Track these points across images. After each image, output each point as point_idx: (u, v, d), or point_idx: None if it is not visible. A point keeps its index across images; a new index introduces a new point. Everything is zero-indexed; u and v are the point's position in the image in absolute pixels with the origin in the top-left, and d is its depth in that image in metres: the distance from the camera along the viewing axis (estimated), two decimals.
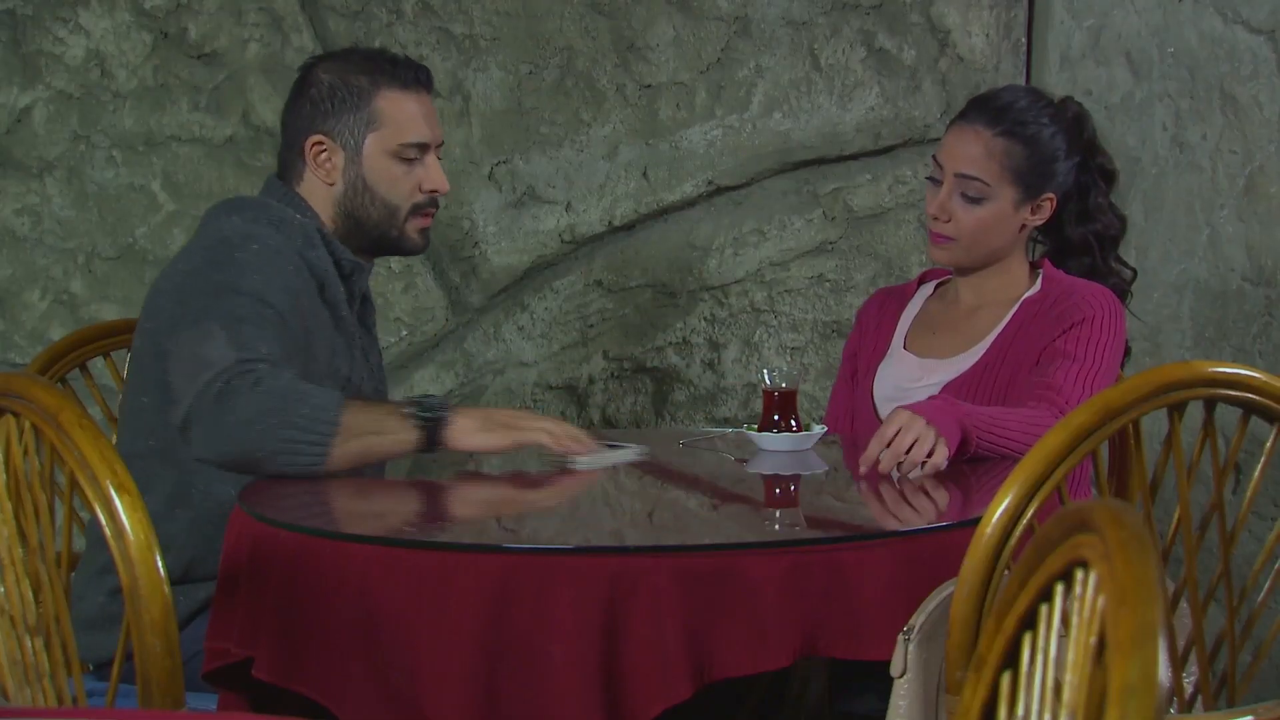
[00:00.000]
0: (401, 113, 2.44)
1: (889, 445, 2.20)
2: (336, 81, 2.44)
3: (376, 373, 2.59)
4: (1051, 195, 2.61)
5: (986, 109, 2.61)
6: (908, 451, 2.20)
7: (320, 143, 2.43)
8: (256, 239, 2.34)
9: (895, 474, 2.21)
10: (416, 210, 2.49)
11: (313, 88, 2.45)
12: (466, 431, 2.17)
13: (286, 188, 2.46)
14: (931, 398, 2.39)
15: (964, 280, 2.69)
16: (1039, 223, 2.63)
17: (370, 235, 2.49)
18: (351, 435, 2.12)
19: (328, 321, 2.43)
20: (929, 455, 2.20)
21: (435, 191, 2.49)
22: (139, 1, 3.24)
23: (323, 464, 2.12)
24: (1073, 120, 2.66)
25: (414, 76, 2.46)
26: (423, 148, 2.46)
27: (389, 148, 2.44)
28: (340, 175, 2.44)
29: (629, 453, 2.36)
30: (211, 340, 2.19)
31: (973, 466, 2.28)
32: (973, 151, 2.57)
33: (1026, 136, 2.58)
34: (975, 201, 2.57)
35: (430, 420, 2.16)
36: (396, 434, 2.16)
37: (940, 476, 2.21)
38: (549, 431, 2.23)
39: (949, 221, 2.59)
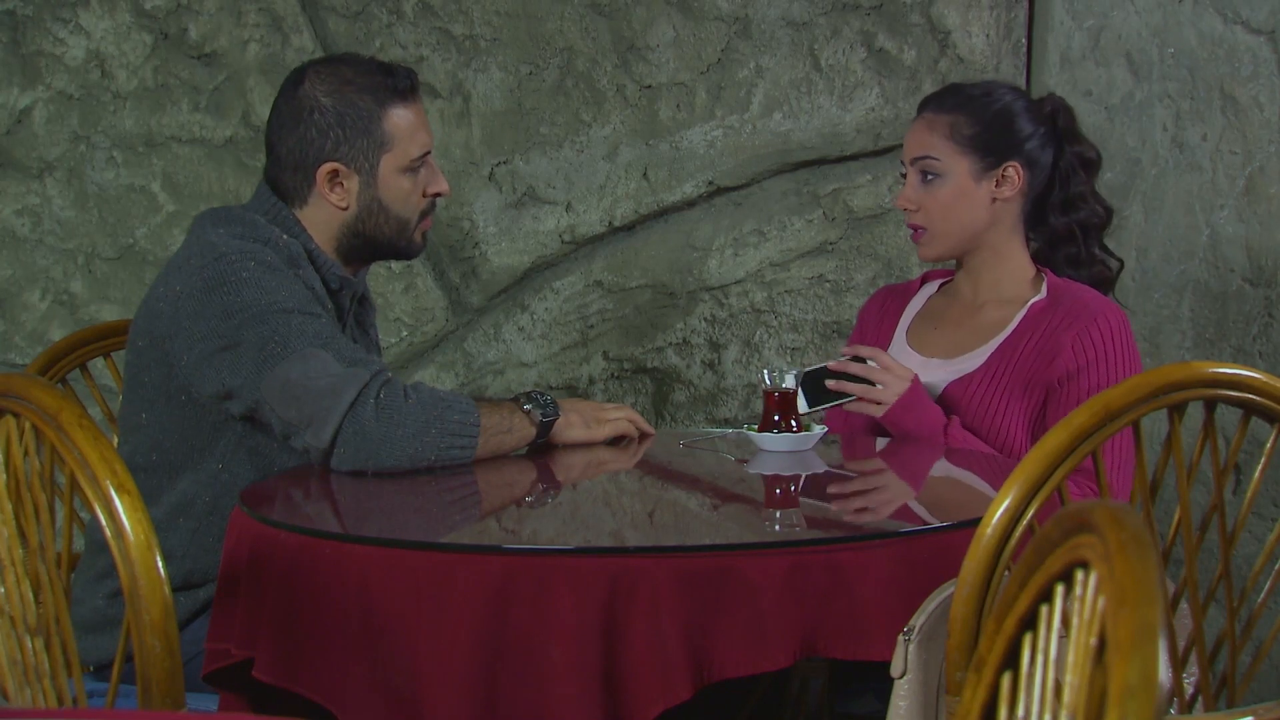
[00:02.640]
0: (406, 128, 2.43)
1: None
2: (342, 107, 2.40)
3: None
4: (1015, 163, 2.61)
5: (933, 98, 2.69)
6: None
7: (335, 171, 2.42)
8: (252, 255, 2.33)
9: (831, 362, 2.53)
10: (422, 216, 2.49)
11: (316, 113, 2.40)
12: (573, 426, 2.43)
13: (280, 207, 2.44)
14: (943, 413, 2.53)
15: (963, 272, 2.69)
16: (1009, 195, 2.62)
17: (378, 248, 2.49)
18: (490, 434, 2.31)
19: None
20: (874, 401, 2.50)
21: (439, 194, 2.50)
22: (139, 2, 3.24)
23: (469, 461, 2.31)
24: (1042, 104, 2.69)
25: (409, 85, 2.45)
26: (425, 156, 2.47)
27: (400, 165, 2.43)
28: (355, 199, 2.44)
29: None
30: (314, 361, 2.25)
31: (976, 466, 2.27)
32: (922, 135, 2.64)
33: (974, 107, 2.63)
34: (933, 180, 2.60)
35: (548, 419, 2.38)
36: (521, 431, 2.36)
37: (940, 476, 2.20)
38: (629, 419, 2.49)
39: (917, 211, 2.62)
